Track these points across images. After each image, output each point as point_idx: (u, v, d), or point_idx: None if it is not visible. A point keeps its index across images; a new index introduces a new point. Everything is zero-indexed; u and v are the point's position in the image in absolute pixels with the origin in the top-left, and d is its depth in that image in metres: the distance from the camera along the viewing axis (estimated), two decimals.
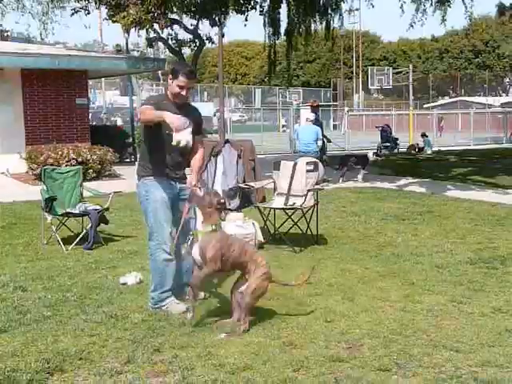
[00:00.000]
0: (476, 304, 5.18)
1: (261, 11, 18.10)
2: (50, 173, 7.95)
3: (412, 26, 15.50)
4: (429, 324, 4.73)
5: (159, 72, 39.53)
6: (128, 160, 19.44)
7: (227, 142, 8.22)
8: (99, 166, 15.27)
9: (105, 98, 44.75)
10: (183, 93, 5.03)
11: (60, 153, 14.93)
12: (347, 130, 27.93)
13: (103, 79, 38.29)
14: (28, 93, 16.43)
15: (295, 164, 7.95)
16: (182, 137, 4.74)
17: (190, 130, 4.79)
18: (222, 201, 4.81)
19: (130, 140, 20.61)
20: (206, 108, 44.69)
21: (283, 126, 42.49)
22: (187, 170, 5.32)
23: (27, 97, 16.43)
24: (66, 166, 13.18)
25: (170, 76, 5.09)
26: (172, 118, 4.72)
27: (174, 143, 4.75)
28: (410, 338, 4.44)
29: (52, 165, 12.88)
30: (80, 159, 14.76)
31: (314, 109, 16.25)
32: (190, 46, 19.13)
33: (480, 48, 64.69)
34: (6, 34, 28.31)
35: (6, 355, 4.07)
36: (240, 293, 4.67)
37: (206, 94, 56.00)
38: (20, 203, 11.08)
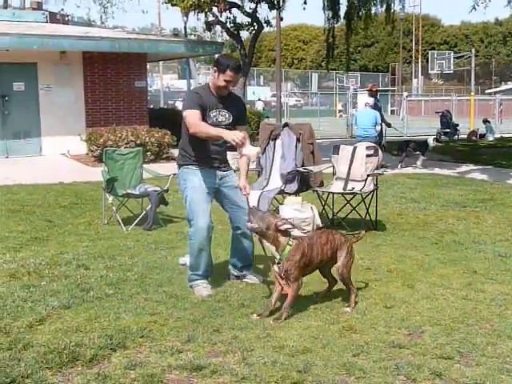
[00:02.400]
0: None
1: None
2: (111, 154, 8.07)
3: (475, 8, 15.06)
4: (492, 313, 4.61)
5: (216, 56, 39.67)
6: None
7: (286, 125, 8.18)
8: (157, 149, 15.44)
9: (162, 82, 45.19)
10: (230, 86, 4.99)
11: (119, 135, 15.17)
12: (406, 115, 27.45)
13: (161, 63, 38.65)
14: (89, 76, 16.73)
15: (355, 148, 7.86)
16: (250, 152, 4.77)
17: (248, 143, 4.78)
18: (282, 222, 4.54)
19: None
20: (262, 92, 44.82)
21: (340, 110, 42.15)
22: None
23: (88, 79, 16.73)
24: (125, 148, 13.36)
25: (215, 69, 5.01)
26: (230, 136, 4.69)
27: (252, 157, 4.91)
28: (472, 326, 4.34)
29: (111, 147, 13.10)
30: (138, 141, 14.95)
31: (373, 93, 15.96)
32: (248, 30, 19.02)
33: None
34: (66, 19, 28.88)
35: (71, 330, 4.17)
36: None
37: (262, 78, 56.00)
38: (80, 184, 11.33)
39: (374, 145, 8.28)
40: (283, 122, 8.76)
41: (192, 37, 31.77)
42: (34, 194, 10.06)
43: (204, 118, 4.97)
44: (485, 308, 4.72)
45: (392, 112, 40.29)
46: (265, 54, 69.03)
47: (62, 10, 30.65)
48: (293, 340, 4.04)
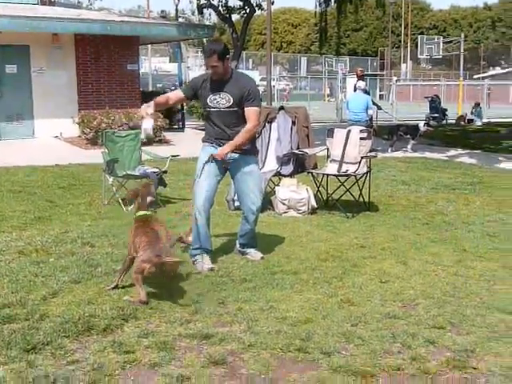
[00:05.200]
0: None
1: None
2: (110, 136, 8.24)
3: None
4: (481, 288, 4.87)
5: (205, 39, 39.62)
6: (176, 126, 19.65)
7: (281, 108, 8.37)
8: None
9: (150, 65, 45.03)
10: (210, 70, 5.18)
11: (112, 118, 15.25)
12: (395, 100, 27.64)
13: (149, 46, 38.57)
14: (81, 58, 16.70)
15: (349, 131, 8.06)
16: (144, 125, 5.15)
17: (149, 120, 5.14)
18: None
19: (179, 107, 20.79)
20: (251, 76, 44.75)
21: (328, 95, 42.28)
22: None
23: (80, 62, 16.71)
24: (119, 130, 13.44)
25: None
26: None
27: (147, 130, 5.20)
28: (463, 299, 4.60)
29: (105, 129, 13.21)
30: (131, 124, 15.03)
31: (360, 78, 16.05)
32: (239, 13, 19.14)
33: None
34: (53, 0, 28.74)
35: (83, 303, 4.38)
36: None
37: (251, 61, 55.90)
38: (76, 166, 11.48)
39: (367, 128, 8.50)
40: (279, 106, 8.93)
41: (181, 19, 31.71)
42: (31, 175, 10.20)
43: (205, 101, 5.29)
44: (474, 283, 4.99)
45: (381, 97, 40.47)
46: (253, 37, 68.82)
47: None
48: (294, 311, 4.29)
